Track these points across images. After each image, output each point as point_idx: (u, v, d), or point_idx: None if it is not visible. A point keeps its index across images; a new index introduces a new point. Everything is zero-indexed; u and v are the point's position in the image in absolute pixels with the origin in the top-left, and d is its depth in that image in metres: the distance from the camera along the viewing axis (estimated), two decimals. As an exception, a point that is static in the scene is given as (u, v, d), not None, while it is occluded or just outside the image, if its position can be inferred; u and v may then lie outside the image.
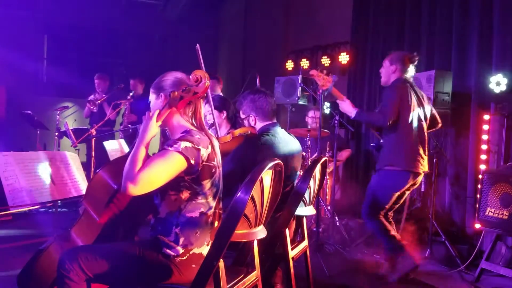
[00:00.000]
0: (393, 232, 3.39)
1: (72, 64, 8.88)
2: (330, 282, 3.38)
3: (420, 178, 3.40)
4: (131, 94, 5.73)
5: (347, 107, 3.43)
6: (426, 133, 3.41)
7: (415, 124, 3.31)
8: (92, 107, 5.85)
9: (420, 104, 3.38)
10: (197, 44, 2.53)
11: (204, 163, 1.81)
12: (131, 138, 5.61)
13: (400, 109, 3.24)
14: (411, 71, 3.42)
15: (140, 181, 1.67)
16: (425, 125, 3.41)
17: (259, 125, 2.76)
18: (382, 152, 3.43)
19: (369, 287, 3.38)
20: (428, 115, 3.47)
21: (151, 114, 1.85)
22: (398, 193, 3.36)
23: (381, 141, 3.45)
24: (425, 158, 3.37)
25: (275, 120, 2.82)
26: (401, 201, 3.48)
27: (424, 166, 3.35)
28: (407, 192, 3.47)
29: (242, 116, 2.81)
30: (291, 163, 2.70)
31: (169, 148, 1.74)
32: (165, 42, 9.84)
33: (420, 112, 3.36)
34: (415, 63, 3.45)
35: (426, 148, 3.40)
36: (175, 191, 1.81)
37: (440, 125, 3.62)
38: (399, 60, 3.37)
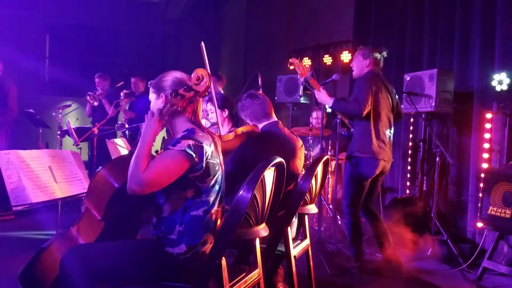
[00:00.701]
0: (361, 236, 3.59)
1: (74, 63, 8.89)
2: (332, 281, 3.38)
3: (388, 166, 3.57)
4: (125, 91, 5.74)
5: (324, 97, 3.59)
6: (392, 124, 3.61)
7: (383, 115, 3.49)
8: (92, 101, 5.85)
9: (389, 96, 3.57)
10: (202, 42, 2.54)
11: (207, 160, 1.82)
12: (132, 136, 5.62)
13: (372, 101, 3.40)
14: (381, 64, 3.64)
15: (145, 182, 1.68)
16: (392, 117, 3.60)
17: (259, 125, 2.78)
18: (352, 140, 3.60)
19: (370, 286, 3.38)
20: (395, 108, 3.65)
21: (154, 113, 1.86)
22: (369, 179, 3.50)
23: (352, 130, 3.62)
24: (389, 147, 3.56)
25: (275, 119, 2.82)
26: (377, 191, 3.67)
27: (389, 154, 3.54)
28: (380, 180, 3.65)
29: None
30: (293, 162, 2.70)
31: (173, 148, 1.75)
32: (167, 41, 9.85)
33: (388, 104, 3.55)
34: (385, 56, 3.67)
35: (391, 140, 3.60)
36: (179, 190, 1.82)
37: (401, 118, 3.88)
38: (372, 54, 3.57)
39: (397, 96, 3.74)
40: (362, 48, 3.66)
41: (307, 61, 6.72)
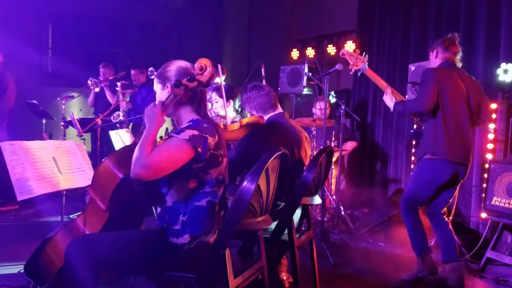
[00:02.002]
0: (425, 234, 3.21)
1: (77, 53, 8.87)
2: (335, 271, 3.40)
3: (466, 170, 3.11)
4: (123, 82, 5.70)
5: (387, 101, 3.27)
6: (469, 123, 3.11)
7: (457, 110, 3.04)
8: (93, 87, 5.83)
9: (468, 91, 3.09)
10: (219, 65, 2.58)
11: (211, 151, 1.81)
12: (135, 127, 5.63)
13: (441, 95, 3.00)
14: (458, 53, 3.17)
15: (149, 166, 1.68)
16: (469, 114, 3.11)
17: (266, 117, 2.77)
18: (421, 140, 3.24)
19: (373, 276, 3.39)
20: (474, 105, 3.12)
21: (157, 103, 1.84)
22: (440, 184, 3.10)
23: (422, 127, 3.27)
24: (467, 149, 3.09)
25: (280, 110, 2.81)
26: (450, 198, 3.20)
27: (466, 156, 3.08)
28: (456, 186, 3.17)
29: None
30: (298, 153, 2.70)
31: (177, 136, 1.75)
32: (169, 31, 9.80)
33: (465, 98, 3.08)
34: (457, 41, 3.19)
35: (468, 139, 3.10)
36: (182, 180, 1.81)
37: (480, 124, 3.30)
38: (439, 44, 3.19)
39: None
40: (430, 46, 3.28)
41: (311, 51, 6.68)
